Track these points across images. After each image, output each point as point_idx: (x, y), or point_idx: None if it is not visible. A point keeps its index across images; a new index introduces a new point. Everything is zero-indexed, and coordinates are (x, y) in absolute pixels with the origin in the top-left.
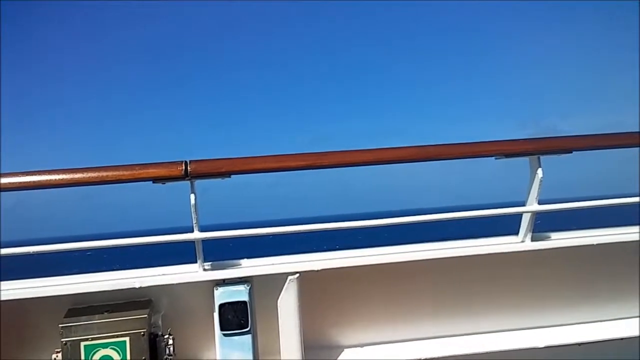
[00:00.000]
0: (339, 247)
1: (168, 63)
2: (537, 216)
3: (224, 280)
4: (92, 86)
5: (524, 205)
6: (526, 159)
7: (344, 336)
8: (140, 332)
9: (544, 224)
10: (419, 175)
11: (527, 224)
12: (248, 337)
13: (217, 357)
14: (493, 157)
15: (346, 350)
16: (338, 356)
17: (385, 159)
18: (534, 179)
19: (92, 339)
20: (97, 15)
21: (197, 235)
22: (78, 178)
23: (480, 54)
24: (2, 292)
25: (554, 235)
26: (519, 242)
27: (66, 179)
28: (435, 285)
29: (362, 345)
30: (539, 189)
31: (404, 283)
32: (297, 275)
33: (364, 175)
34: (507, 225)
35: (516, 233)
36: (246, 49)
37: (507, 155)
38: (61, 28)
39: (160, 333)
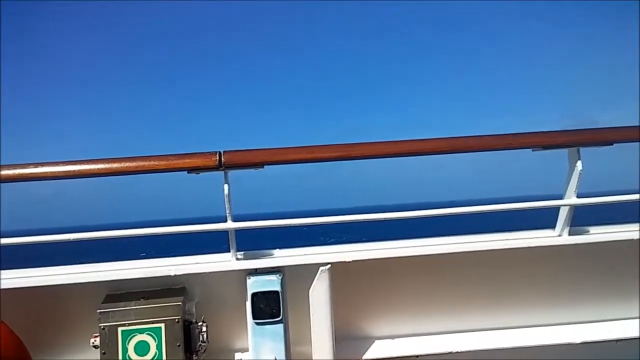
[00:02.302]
0: (370, 239)
1: (199, 54)
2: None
3: (256, 269)
4: (119, 77)
5: (561, 198)
6: (565, 151)
7: (375, 328)
8: (175, 319)
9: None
10: (447, 167)
11: (564, 217)
12: (280, 327)
13: (249, 346)
14: (530, 149)
15: (377, 342)
16: (369, 347)
17: (422, 150)
18: (572, 172)
19: (129, 324)
20: (124, 6)
21: (230, 225)
22: (116, 168)
23: (514, 46)
24: (42, 278)
25: (592, 229)
26: (556, 236)
27: (105, 169)
28: (468, 278)
29: (393, 337)
30: (578, 181)
31: (436, 276)
32: (329, 266)
33: (395, 166)
34: (526, 219)
35: (541, 227)
36: (277, 41)
37: (545, 147)
38: (91, 18)
39: (194, 320)
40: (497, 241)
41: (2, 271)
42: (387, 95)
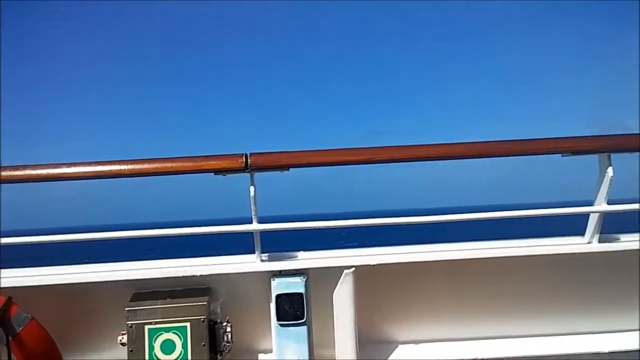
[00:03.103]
0: (395, 243)
1: (225, 56)
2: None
3: (280, 271)
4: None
5: (591, 204)
6: (595, 156)
7: (399, 332)
8: (200, 318)
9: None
10: (473, 171)
11: (594, 224)
12: (303, 329)
13: (273, 347)
14: (560, 155)
15: (400, 347)
16: (392, 352)
17: (452, 154)
18: (603, 178)
19: (156, 322)
20: (149, 6)
21: (255, 226)
22: (145, 168)
23: (536, 51)
24: (72, 276)
25: (622, 237)
26: (586, 243)
27: (133, 169)
28: (493, 284)
29: (416, 342)
30: (608, 188)
31: (461, 281)
32: (353, 269)
33: (422, 170)
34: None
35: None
36: (300, 44)
37: (575, 153)
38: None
39: (218, 320)
40: (524, 247)
41: (34, 268)
42: (409, 99)
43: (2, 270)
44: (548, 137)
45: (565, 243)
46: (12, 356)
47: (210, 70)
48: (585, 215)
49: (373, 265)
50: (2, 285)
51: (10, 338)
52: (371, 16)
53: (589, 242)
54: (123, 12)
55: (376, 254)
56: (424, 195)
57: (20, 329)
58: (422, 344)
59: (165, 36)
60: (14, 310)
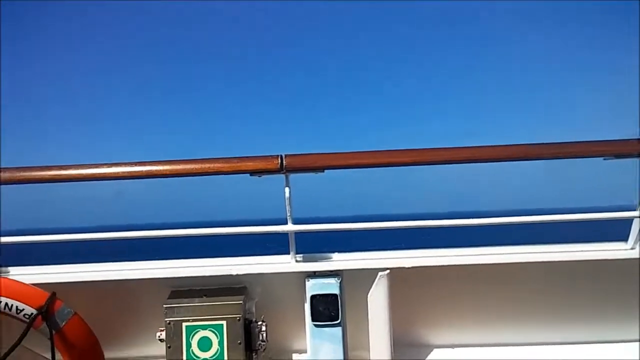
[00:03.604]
0: (431, 246)
1: (260, 57)
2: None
3: (314, 272)
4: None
5: (634, 209)
6: (637, 160)
7: (434, 335)
8: (236, 317)
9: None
10: (512, 175)
11: (638, 229)
12: (338, 330)
13: (308, 347)
14: (601, 158)
15: (435, 350)
16: (427, 355)
17: (487, 157)
18: None
19: (193, 320)
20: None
21: (290, 227)
22: (182, 169)
23: (578, 51)
24: (113, 272)
25: None
26: (629, 249)
27: (171, 170)
28: (532, 289)
29: (452, 346)
30: None
31: (499, 285)
32: (388, 271)
33: (458, 172)
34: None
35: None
36: (336, 47)
37: (618, 156)
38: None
39: (254, 319)
40: (566, 252)
41: (75, 265)
42: (441, 102)
43: (46, 266)
44: (589, 140)
45: (607, 249)
46: (56, 350)
47: (243, 72)
48: (628, 221)
49: (408, 267)
50: (46, 281)
51: (53, 332)
52: (407, 17)
53: (632, 248)
54: (171, 11)
55: (411, 256)
56: (462, 198)
57: (64, 323)
58: (458, 349)
59: (205, 37)
60: (58, 305)
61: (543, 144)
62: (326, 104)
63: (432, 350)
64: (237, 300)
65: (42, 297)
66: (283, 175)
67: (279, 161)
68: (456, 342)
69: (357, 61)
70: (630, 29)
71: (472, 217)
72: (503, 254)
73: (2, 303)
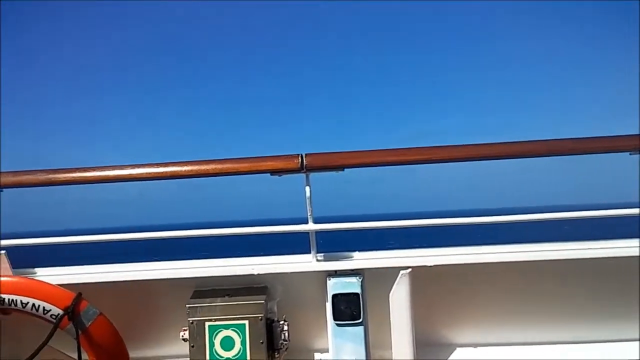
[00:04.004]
0: (452, 244)
1: (280, 57)
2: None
3: (335, 271)
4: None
5: None
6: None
7: (456, 335)
8: (258, 316)
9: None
10: (532, 171)
11: None
12: (360, 329)
13: (330, 346)
14: (628, 153)
15: (458, 350)
16: (450, 355)
17: (514, 153)
18: None
19: (215, 320)
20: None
21: (311, 226)
22: (203, 169)
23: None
24: (137, 273)
25: None
26: None
27: (192, 170)
28: (555, 288)
29: (475, 346)
30: None
31: (522, 284)
32: (410, 270)
33: (478, 170)
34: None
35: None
36: (350, 46)
37: None
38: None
39: (275, 319)
40: (587, 250)
41: (100, 265)
42: (457, 99)
43: (71, 267)
44: (613, 135)
45: (630, 245)
46: (82, 350)
47: (261, 72)
48: None
49: (430, 266)
50: (71, 282)
51: (79, 332)
52: (423, 16)
53: None
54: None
55: (434, 254)
56: (481, 195)
57: (89, 323)
58: (481, 348)
59: (224, 37)
60: (83, 305)
61: (567, 139)
62: (333, 102)
63: (454, 350)
64: (259, 300)
65: (69, 297)
66: (303, 175)
67: (300, 160)
68: (479, 341)
69: (364, 57)
70: (630, 29)
71: (495, 215)
72: (526, 251)
73: (29, 304)
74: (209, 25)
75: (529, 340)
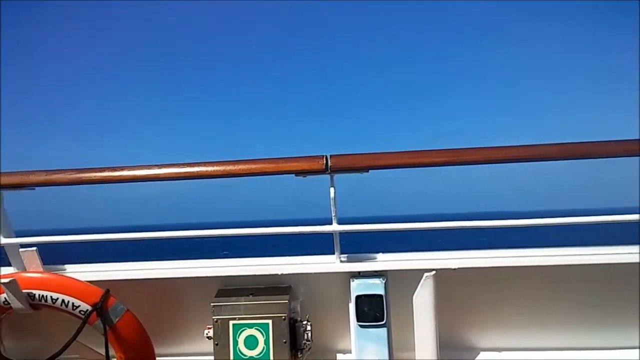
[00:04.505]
0: (477, 247)
1: (306, 57)
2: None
3: (359, 272)
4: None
5: None
6: None
7: (480, 338)
8: (282, 316)
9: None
10: (552, 174)
11: None
12: (383, 330)
13: (352, 347)
14: None
15: (482, 353)
16: (474, 358)
17: (532, 156)
18: None
19: (240, 318)
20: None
21: (335, 227)
22: (229, 170)
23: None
24: (163, 271)
25: None
26: None
27: (217, 171)
28: (582, 292)
29: (499, 350)
30: None
31: (547, 288)
32: (434, 272)
33: (503, 172)
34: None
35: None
36: (372, 46)
37: None
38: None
39: (299, 319)
40: (617, 255)
41: (127, 263)
42: (476, 99)
43: (99, 264)
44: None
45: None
46: (109, 345)
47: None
48: None
49: (454, 269)
50: (99, 279)
51: (107, 328)
52: (444, 15)
53: None
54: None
55: (458, 257)
56: (510, 198)
57: (117, 319)
58: (505, 352)
59: (253, 36)
60: (111, 302)
61: (581, 143)
62: (349, 102)
63: (478, 354)
64: (282, 300)
65: (97, 294)
66: (328, 176)
67: (324, 161)
68: (504, 346)
69: (385, 59)
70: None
71: (520, 218)
72: (552, 255)
73: (59, 299)
74: (228, 23)
75: (554, 345)
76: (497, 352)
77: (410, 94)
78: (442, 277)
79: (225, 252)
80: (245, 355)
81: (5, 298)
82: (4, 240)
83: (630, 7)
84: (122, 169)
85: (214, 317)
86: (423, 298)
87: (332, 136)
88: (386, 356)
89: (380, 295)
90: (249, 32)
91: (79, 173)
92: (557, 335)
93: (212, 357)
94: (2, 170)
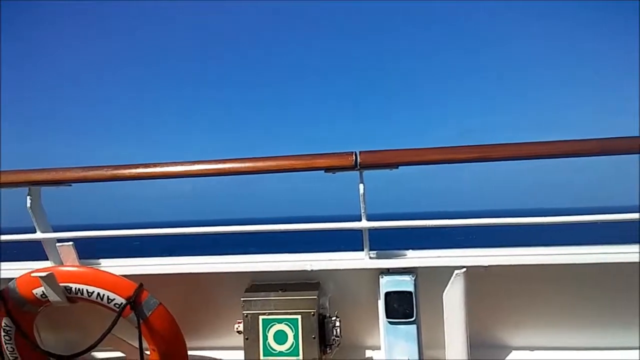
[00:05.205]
0: (509, 244)
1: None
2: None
3: (388, 269)
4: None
5: None
6: None
7: (512, 337)
8: (311, 312)
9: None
10: (591, 169)
11: None
12: (413, 327)
13: (382, 344)
14: None
15: (514, 352)
16: (505, 357)
17: (564, 153)
18: None
19: (269, 313)
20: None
21: (364, 224)
22: (260, 166)
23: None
24: (195, 265)
25: None
26: None
27: (249, 167)
28: (617, 292)
29: (531, 349)
30: None
31: (582, 287)
32: (464, 269)
33: (533, 168)
34: None
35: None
36: (395, 43)
37: None
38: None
39: (328, 315)
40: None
41: (159, 258)
42: (502, 96)
43: (132, 258)
44: None
45: None
46: (142, 338)
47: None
48: None
49: (486, 266)
50: (133, 273)
51: (140, 321)
52: (466, 15)
53: None
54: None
55: (490, 255)
56: (540, 194)
57: (150, 313)
58: (537, 351)
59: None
60: (144, 295)
61: (620, 137)
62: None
63: (510, 352)
64: (312, 296)
65: (131, 287)
66: (357, 172)
67: (354, 158)
68: (536, 345)
69: (412, 56)
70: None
71: (552, 215)
72: (585, 253)
73: (95, 293)
74: (258, 23)
75: (586, 344)
76: (529, 351)
77: (437, 93)
78: (473, 274)
79: (253, 249)
80: (275, 350)
81: (43, 291)
82: (42, 235)
83: None
84: (155, 165)
85: (244, 312)
86: (453, 295)
87: (359, 134)
88: (416, 354)
89: (410, 292)
90: (271, 32)
91: (114, 170)
92: (592, 333)
93: (243, 351)
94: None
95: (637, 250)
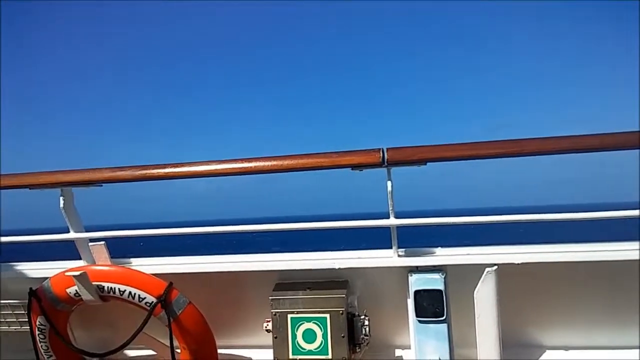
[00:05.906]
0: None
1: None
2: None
3: (417, 267)
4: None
5: None
6: None
7: (546, 336)
8: (339, 310)
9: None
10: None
11: None
12: (443, 326)
13: (412, 343)
14: None
15: (548, 352)
16: (539, 356)
17: (590, 147)
18: None
19: (298, 312)
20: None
21: (392, 221)
22: (287, 164)
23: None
24: (224, 264)
25: None
26: None
27: (275, 165)
28: None
29: (566, 348)
30: None
31: (618, 285)
32: (495, 267)
33: (563, 163)
34: None
35: None
36: (427, 41)
37: None
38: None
39: (356, 313)
40: None
41: (189, 257)
42: (530, 92)
43: (163, 257)
44: None
45: None
46: (173, 337)
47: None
48: None
49: (518, 264)
50: (163, 272)
51: (171, 319)
52: (494, 12)
53: None
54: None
55: (522, 252)
56: (568, 190)
57: (180, 311)
58: (572, 350)
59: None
60: (174, 294)
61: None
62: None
63: (543, 352)
64: (340, 294)
65: (161, 286)
66: (385, 169)
67: (381, 155)
68: (570, 344)
69: (438, 51)
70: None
71: (585, 211)
72: (620, 250)
73: (126, 291)
74: (279, 22)
75: (621, 344)
76: (564, 351)
77: (461, 89)
78: (505, 272)
79: (277, 248)
80: (304, 349)
81: (76, 290)
82: (75, 235)
83: None
84: (182, 165)
85: (272, 311)
86: (485, 293)
87: (385, 132)
88: (447, 353)
89: (440, 291)
90: (290, 33)
91: (144, 170)
92: (626, 333)
93: (272, 350)
94: (35, 172)
95: None
